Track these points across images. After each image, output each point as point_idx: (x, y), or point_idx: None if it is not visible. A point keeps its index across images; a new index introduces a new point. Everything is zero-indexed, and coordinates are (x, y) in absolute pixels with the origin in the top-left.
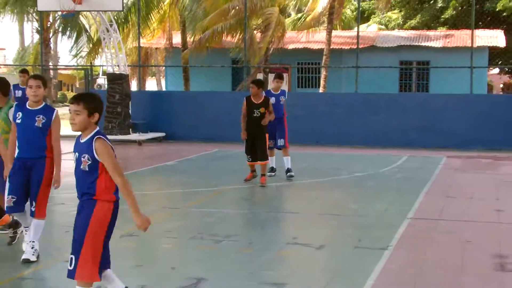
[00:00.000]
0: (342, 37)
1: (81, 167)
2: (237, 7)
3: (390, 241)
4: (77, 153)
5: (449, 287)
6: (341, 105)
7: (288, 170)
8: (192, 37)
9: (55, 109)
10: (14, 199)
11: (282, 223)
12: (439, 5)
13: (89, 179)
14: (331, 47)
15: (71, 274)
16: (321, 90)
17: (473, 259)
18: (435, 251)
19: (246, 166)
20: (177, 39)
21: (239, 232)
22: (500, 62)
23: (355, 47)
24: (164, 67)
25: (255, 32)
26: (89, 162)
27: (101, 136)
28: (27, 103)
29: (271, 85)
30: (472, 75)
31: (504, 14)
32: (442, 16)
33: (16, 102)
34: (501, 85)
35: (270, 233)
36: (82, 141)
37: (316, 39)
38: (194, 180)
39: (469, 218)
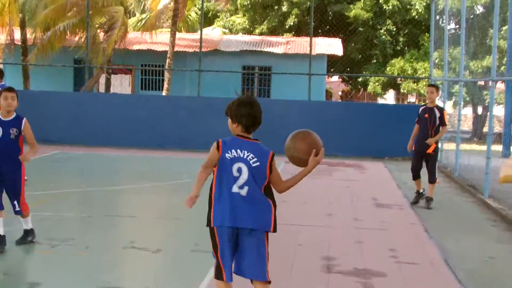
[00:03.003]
0: (186, 39)
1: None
2: (79, 5)
3: None
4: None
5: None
6: (184, 108)
7: None
8: (34, 34)
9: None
10: None
11: (120, 227)
12: (283, 10)
13: None
14: (175, 49)
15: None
16: (164, 93)
17: (302, 261)
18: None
19: (83, 168)
20: (18, 35)
21: (76, 236)
22: (336, 70)
23: (199, 50)
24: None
25: (98, 31)
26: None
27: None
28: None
29: (113, 88)
30: (310, 82)
31: (349, 20)
32: (287, 23)
33: None
34: (340, 93)
35: (107, 236)
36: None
37: (160, 40)
38: (32, 183)
39: (302, 222)
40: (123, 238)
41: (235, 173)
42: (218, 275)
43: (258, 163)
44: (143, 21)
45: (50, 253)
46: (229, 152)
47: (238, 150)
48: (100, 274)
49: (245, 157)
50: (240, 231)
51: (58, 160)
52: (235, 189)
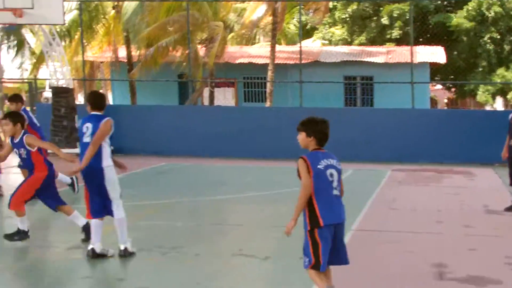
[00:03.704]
0: (286, 52)
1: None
2: (180, 22)
3: None
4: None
5: None
6: (287, 119)
7: None
8: (138, 52)
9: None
10: None
11: (228, 235)
12: (384, 22)
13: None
14: (276, 62)
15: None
16: (267, 104)
17: (413, 268)
18: (377, 261)
19: (191, 179)
20: (122, 52)
21: (186, 244)
22: (440, 78)
23: (299, 62)
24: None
25: (199, 46)
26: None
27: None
28: None
29: (217, 101)
30: (413, 90)
31: (450, 29)
32: (387, 33)
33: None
34: (445, 100)
35: (216, 245)
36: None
37: (261, 53)
38: (141, 193)
39: (411, 229)
40: (232, 246)
41: (330, 178)
42: (317, 267)
43: (340, 167)
44: (243, 36)
45: (161, 261)
46: (319, 163)
47: (325, 160)
48: (209, 281)
49: (332, 164)
50: (337, 226)
51: (166, 171)
52: (332, 191)
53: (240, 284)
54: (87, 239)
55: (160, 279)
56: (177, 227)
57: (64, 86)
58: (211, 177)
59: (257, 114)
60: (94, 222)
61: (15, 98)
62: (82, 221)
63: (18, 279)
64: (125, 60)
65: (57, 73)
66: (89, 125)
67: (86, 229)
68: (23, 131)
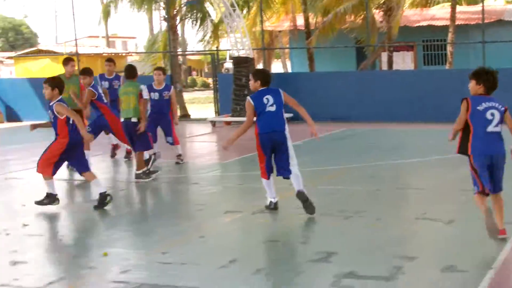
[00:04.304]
0: (467, 12)
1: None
2: None
3: None
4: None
5: None
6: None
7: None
8: (315, 19)
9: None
10: None
11: (410, 199)
12: None
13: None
14: (456, 23)
15: None
16: (447, 66)
17: None
18: None
19: (371, 144)
20: (300, 21)
21: (367, 208)
22: None
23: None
24: (288, 49)
25: (376, 11)
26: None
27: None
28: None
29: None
30: None
31: None
32: None
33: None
34: None
35: (397, 209)
36: None
37: (440, 15)
38: (322, 159)
39: None
40: (414, 210)
41: (490, 117)
42: (480, 191)
43: (502, 108)
44: None
45: (343, 225)
46: (479, 105)
47: (486, 103)
48: (394, 245)
49: (494, 105)
50: (493, 157)
51: (346, 137)
52: (488, 129)
53: (424, 248)
54: (99, 206)
55: (343, 242)
56: (358, 192)
57: (244, 56)
58: (391, 141)
59: (437, 77)
60: (266, 182)
61: (86, 71)
62: (101, 188)
63: (216, 240)
64: (303, 28)
65: (237, 43)
66: (268, 96)
67: (102, 197)
68: (60, 97)
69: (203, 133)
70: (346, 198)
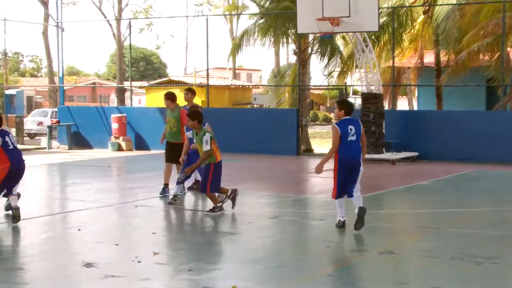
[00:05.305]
0: None
1: None
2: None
3: None
4: None
5: None
6: None
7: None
8: (447, 57)
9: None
10: None
11: None
12: None
13: None
14: None
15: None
16: None
17: None
18: None
19: (500, 186)
20: (428, 58)
21: (501, 254)
22: None
23: None
24: (415, 87)
25: (510, 49)
26: None
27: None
28: None
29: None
30: None
31: None
32: None
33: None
34: None
35: None
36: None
37: None
38: (450, 200)
39: None
40: None
41: None
42: None
43: None
44: None
45: (476, 270)
46: None
47: None
48: None
49: None
50: None
51: (473, 179)
52: None
53: None
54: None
55: None
56: (490, 236)
57: (374, 92)
58: None
59: None
60: (338, 201)
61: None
62: (15, 203)
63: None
64: (431, 65)
65: (367, 79)
66: (351, 127)
67: (15, 209)
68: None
69: (326, 168)
70: (477, 242)
